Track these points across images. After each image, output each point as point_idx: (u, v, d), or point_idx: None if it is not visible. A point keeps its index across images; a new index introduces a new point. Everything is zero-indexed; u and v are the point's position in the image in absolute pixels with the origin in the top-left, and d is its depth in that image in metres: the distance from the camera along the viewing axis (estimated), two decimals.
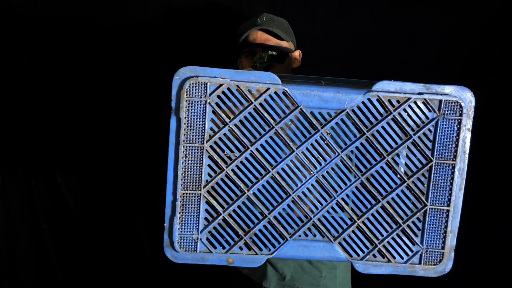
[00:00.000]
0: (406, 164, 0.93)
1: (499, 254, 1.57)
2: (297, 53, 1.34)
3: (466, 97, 0.90)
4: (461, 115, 0.90)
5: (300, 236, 0.94)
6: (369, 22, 1.51)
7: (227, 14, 1.52)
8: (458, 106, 0.90)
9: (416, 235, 0.94)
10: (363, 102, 0.90)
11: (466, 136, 0.91)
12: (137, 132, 1.62)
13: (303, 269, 1.25)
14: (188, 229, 0.92)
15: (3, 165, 1.63)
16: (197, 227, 0.92)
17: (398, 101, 0.90)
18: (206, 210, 0.92)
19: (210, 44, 1.52)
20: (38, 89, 1.58)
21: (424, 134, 0.91)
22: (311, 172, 0.93)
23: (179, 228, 0.92)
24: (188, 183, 0.91)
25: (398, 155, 0.92)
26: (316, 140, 0.92)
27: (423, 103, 0.90)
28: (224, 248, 0.93)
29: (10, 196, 1.66)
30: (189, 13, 1.53)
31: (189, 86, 0.88)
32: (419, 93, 0.90)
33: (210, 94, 0.88)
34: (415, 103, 0.90)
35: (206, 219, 0.93)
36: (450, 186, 0.92)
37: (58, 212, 1.68)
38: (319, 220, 0.94)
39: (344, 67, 1.47)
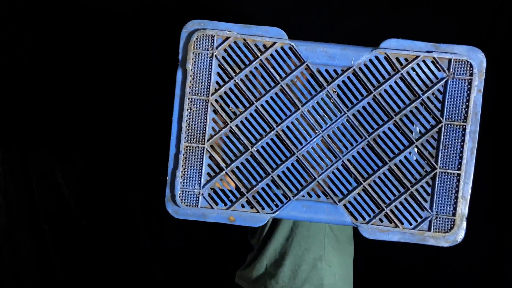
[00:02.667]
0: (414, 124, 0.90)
1: None
2: None
3: (477, 57, 0.89)
4: (471, 75, 0.88)
5: (304, 196, 0.92)
6: (370, 22, 1.51)
7: (228, 14, 1.54)
8: (469, 65, 0.88)
9: (425, 200, 0.91)
10: (370, 60, 0.89)
11: (477, 97, 0.89)
12: (138, 133, 1.62)
13: (304, 278, 1.22)
14: (190, 183, 0.91)
15: (4, 166, 1.64)
16: (199, 181, 0.91)
17: (406, 59, 0.89)
18: (209, 165, 0.92)
19: None
20: (39, 89, 1.60)
21: (433, 94, 0.89)
22: (317, 131, 0.91)
23: (181, 182, 0.91)
24: (192, 136, 0.91)
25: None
26: (322, 98, 0.91)
27: (432, 62, 0.89)
28: (225, 204, 0.92)
29: (11, 197, 1.65)
30: (191, 11, 1.55)
31: (197, 38, 0.89)
32: (428, 51, 0.88)
33: (216, 47, 0.89)
34: (424, 62, 0.89)
35: (208, 174, 0.92)
36: (461, 149, 0.89)
37: (59, 212, 1.68)
38: (323, 180, 0.92)
39: None
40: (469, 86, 0.88)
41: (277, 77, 0.90)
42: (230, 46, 0.90)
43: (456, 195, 0.90)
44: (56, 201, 1.66)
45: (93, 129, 1.62)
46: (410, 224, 0.91)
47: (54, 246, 1.69)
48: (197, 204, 0.91)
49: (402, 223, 0.91)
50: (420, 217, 0.91)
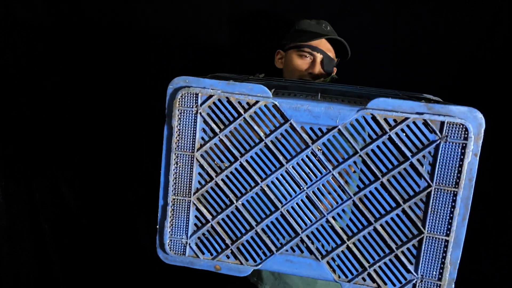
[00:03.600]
0: (403, 187, 0.87)
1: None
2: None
3: (475, 119, 0.82)
4: (466, 139, 0.82)
5: (287, 250, 0.93)
6: (370, 21, 1.46)
7: (228, 15, 1.51)
8: (464, 129, 0.82)
9: (411, 263, 0.88)
10: (356, 120, 0.86)
11: (472, 162, 0.83)
12: (137, 133, 1.64)
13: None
14: (178, 233, 0.95)
15: (5, 166, 1.69)
16: (186, 232, 0.95)
17: (395, 120, 0.84)
18: (196, 217, 0.95)
19: (213, 46, 1.51)
20: (39, 89, 1.63)
21: (424, 156, 0.85)
22: (301, 188, 0.91)
23: (169, 231, 0.95)
24: (179, 189, 0.94)
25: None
26: (307, 156, 0.89)
27: (423, 123, 0.84)
28: (211, 254, 0.95)
29: (12, 196, 1.70)
30: (192, 16, 1.53)
31: (181, 96, 0.90)
32: (418, 113, 0.83)
33: (201, 105, 0.90)
34: (415, 123, 0.84)
35: (195, 225, 0.95)
36: (451, 215, 0.85)
37: (59, 212, 1.72)
38: (307, 236, 0.92)
39: (344, 68, 1.43)
40: (463, 151, 0.83)
41: (261, 133, 0.90)
42: (214, 103, 0.90)
43: (443, 260, 0.87)
44: (57, 201, 1.71)
45: (93, 129, 1.65)
46: (394, 285, 0.90)
47: (55, 245, 1.75)
48: (184, 252, 0.96)
49: (385, 284, 0.90)
50: (405, 279, 0.89)
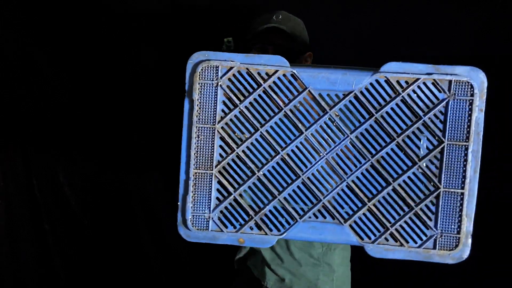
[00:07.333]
0: (418, 146, 0.92)
1: None
2: (307, 55, 1.30)
3: (478, 78, 0.89)
4: (472, 95, 0.89)
5: (310, 217, 0.95)
6: (370, 20, 1.50)
7: (228, 11, 1.54)
8: (469, 86, 0.89)
9: (430, 219, 0.92)
10: (371, 84, 0.91)
11: (479, 117, 0.90)
12: (138, 133, 1.64)
13: (300, 273, 1.25)
14: (200, 208, 0.95)
15: (5, 165, 1.66)
16: (209, 206, 0.95)
17: (406, 82, 0.91)
18: (218, 190, 0.95)
19: (212, 40, 1.51)
20: (40, 88, 1.61)
21: (435, 115, 0.91)
22: (321, 154, 0.94)
23: (191, 207, 0.95)
24: (201, 163, 0.95)
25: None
26: (325, 122, 0.93)
27: (433, 83, 0.90)
28: (235, 227, 0.95)
29: (12, 196, 1.67)
30: (192, 11, 1.56)
31: (202, 70, 0.93)
32: (428, 74, 0.90)
33: (221, 77, 0.93)
34: (425, 84, 0.90)
35: (217, 198, 0.95)
36: (464, 168, 0.90)
37: (60, 212, 1.70)
38: (329, 202, 0.94)
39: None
40: (470, 107, 0.89)
41: (281, 103, 0.93)
42: (234, 75, 0.93)
43: (460, 213, 0.91)
44: (58, 201, 1.68)
45: (94, 129, 1.64)
46: (415, 242, 0.93)
47: (56, 246, 1.71)
48: (207, 227, 0.95)
49: (407, 242, 0.93)
50: (425, 235, 0.93)
